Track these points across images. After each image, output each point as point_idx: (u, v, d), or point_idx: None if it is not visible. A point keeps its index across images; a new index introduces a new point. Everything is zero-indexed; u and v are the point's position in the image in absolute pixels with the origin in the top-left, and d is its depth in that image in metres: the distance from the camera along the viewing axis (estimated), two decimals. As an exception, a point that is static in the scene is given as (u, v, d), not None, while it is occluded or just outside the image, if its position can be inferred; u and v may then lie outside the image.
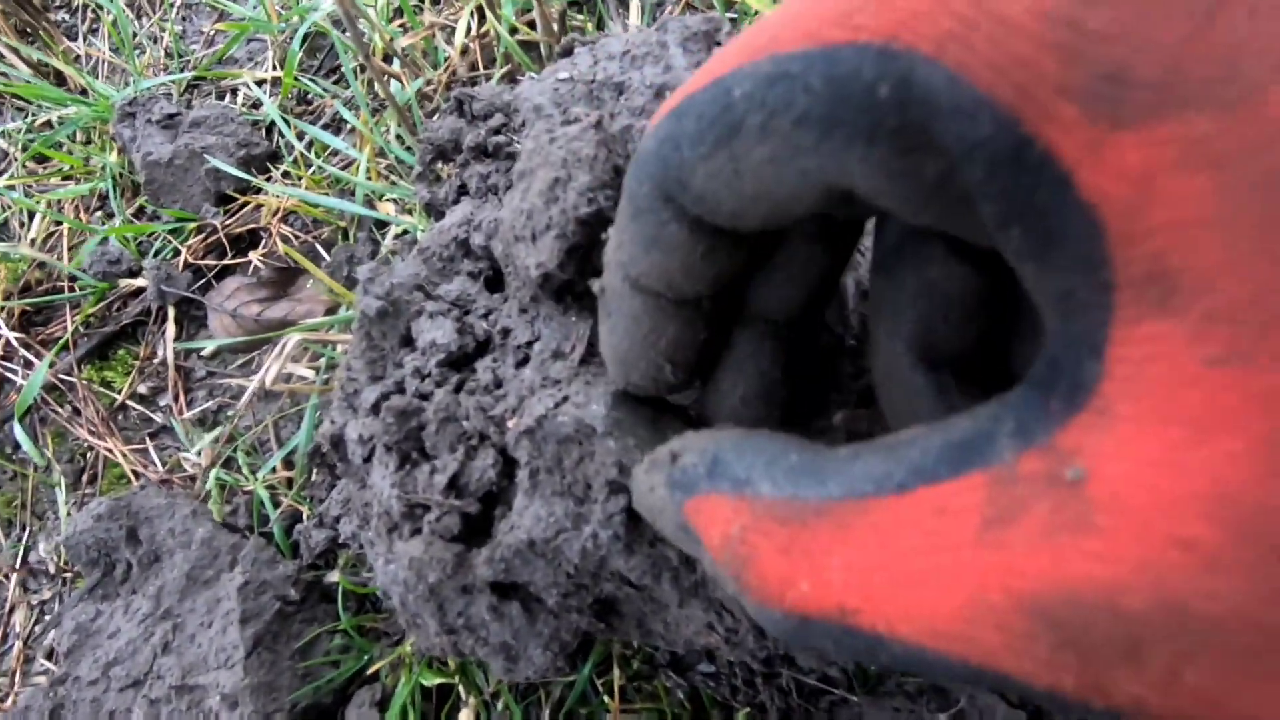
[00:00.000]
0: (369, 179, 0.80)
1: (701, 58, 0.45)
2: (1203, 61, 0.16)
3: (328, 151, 0.87)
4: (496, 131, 0.49)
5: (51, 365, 0.88)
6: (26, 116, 1.06)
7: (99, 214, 0.97)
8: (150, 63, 1.04)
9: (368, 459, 0.45)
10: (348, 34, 0.83)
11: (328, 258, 0.82)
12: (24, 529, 0.84)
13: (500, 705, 0.58)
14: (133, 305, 0.89)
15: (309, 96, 0.94)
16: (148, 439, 0.83)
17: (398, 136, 0.82)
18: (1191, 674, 0.15)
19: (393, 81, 0.83)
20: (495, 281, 0.46)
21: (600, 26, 0.81)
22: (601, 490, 0.35)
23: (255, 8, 0.99)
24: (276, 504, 0.71)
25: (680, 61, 0.45)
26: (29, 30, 1.12)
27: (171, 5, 1.08)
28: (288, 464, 0.73)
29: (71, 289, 0.91)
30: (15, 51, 1.08)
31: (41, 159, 1.03)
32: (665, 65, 0.45)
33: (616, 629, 0.43)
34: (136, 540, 0.70)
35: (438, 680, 0.59)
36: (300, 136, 0.89)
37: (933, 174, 0.19)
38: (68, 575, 0.80)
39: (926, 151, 0.19)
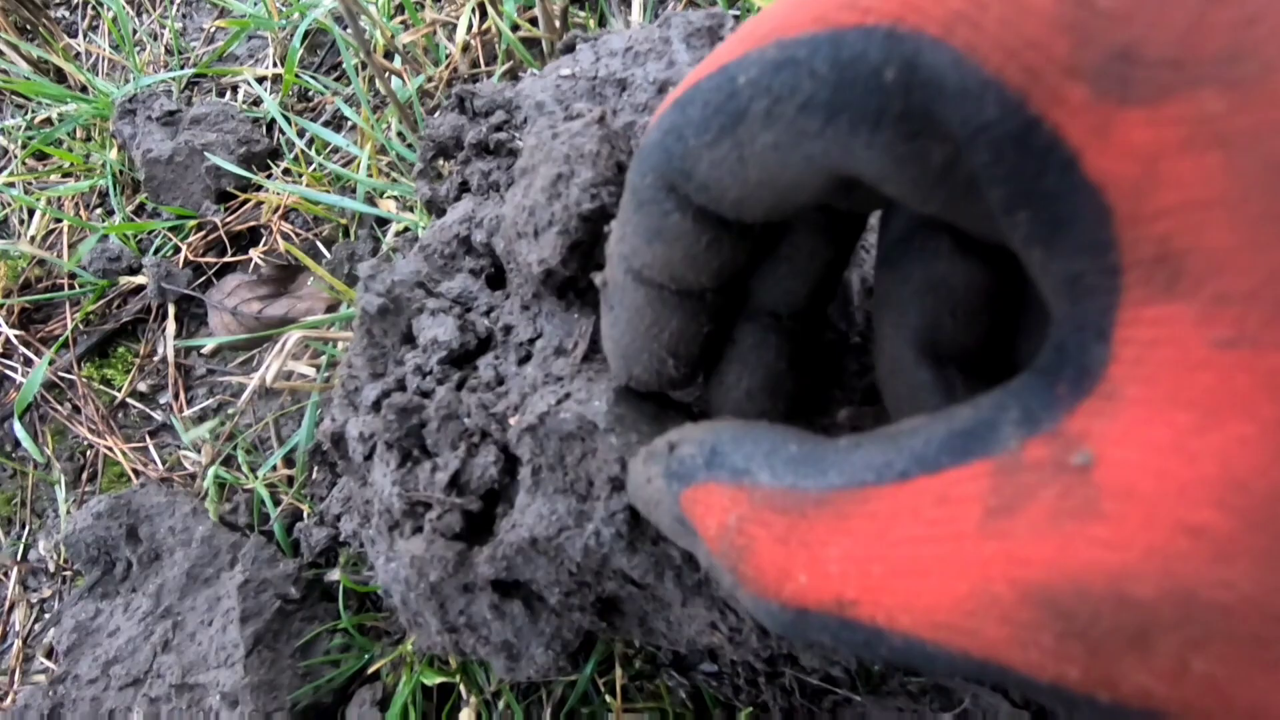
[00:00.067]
0: (370, 176, 0.79)
1: (704, 53, 0.44)
2: (1214, 40, 0.16)
3: (328, 149, 0.87)
4: (498, 128, 0.48)
5: (51, 363, 0.87)
6: (26, 113, 1.06)
7: (99, 211, 0.97)
8: (150, 60, 1.04)
9: (369, 457, 0.44)
10: (349, 31, 0.83)
11: (328, 255, 0.82)
12: (24, 527, 0.84)
13: (501, 704, 0.58)
14: (133, 303, 0.89)
15: (310, 93, 0.94)
16: (148, 437, 0.83)
17: (399, 133, 0.82)
18: (1200, 663, 0.15)
19: (394, 78, 0.83)
20: (497, 278, 0.46)
21: (602, 23, 0.81)
22: (604, 488, 0.35)
23: (256, 4, 0.99)
24: (277, 502, 0.71)
25: (683, 57, 0.44)
26: (29, 27, 1.12)
27: (172, 2, 1.08)
28: (288, 462, 0.73)
29: (71, 286, 0.91)
30: (15, 48, 1.08)
31: (41, 156, 1.03)
32: (668, 61, 0.45)
33: (619, 628, 0.43)
34: (136, 538, 0.70)
35: (439, 679, 0.58)
36: (301, 133, 0.88)
37: (939, 159, 0.19)
38: (67, 573, 0.80)
39: (933, 136, 0.19)
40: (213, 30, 1.04)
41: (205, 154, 0.86)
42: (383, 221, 0.80)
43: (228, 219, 0.87)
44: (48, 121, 1.04)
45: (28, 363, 0.90)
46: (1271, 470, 0.14)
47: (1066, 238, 0.17)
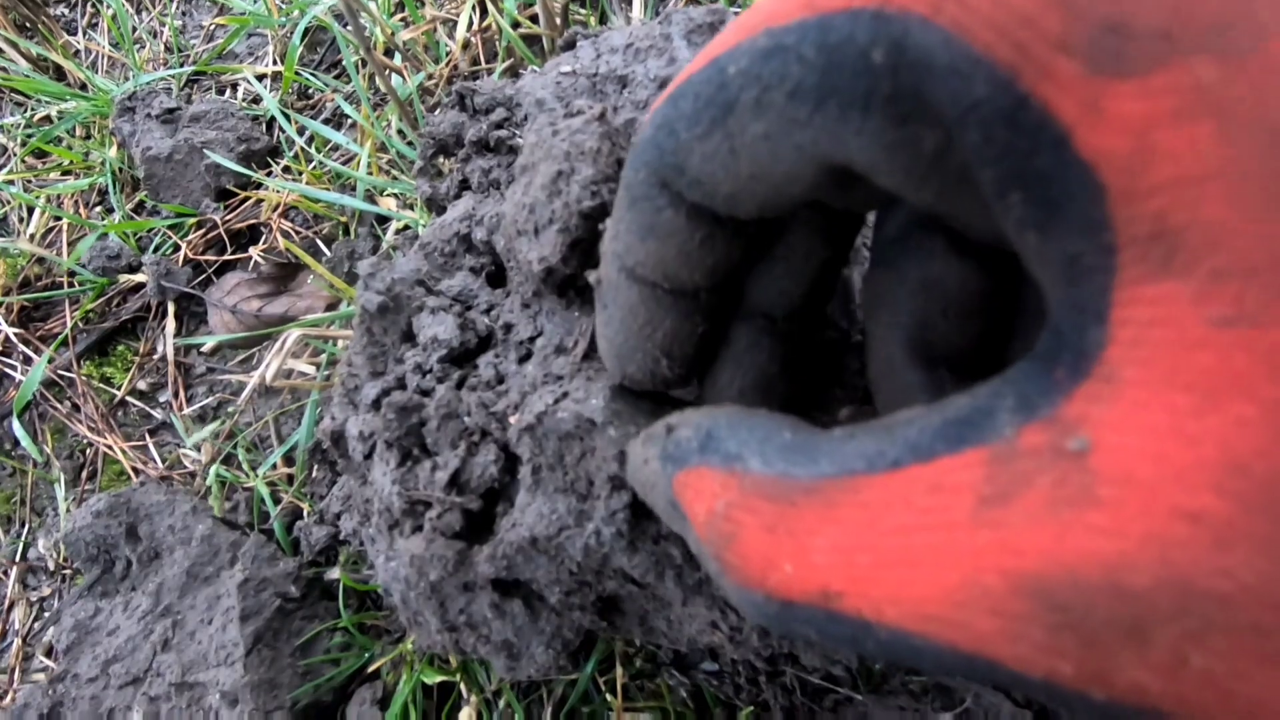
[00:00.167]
0: (370, 174, 0.79)
1: (706, 50, 0.44)
2: (1206, 8, 0.15)
3: (328, 146, 0.87)
4: (498, 126, 0.48)
5: (51, 361, 0.87)
6: (26, 111, 1.06)
7: (98, 209, 0.97)
8: (150, 57, 1.04)
9: (369, 455, 0.44)
10: (349, 28, 0.83)
11: (328, 253, 0.81)
12: (23, 525, 0.84)
13: (502, 703, 0.58)
14: (132, 301, 0.89)
15: (309, 91, 0.93)
16: (147, 435, 0.83)
17: (399, 131, 0.82)
18: (1199, 656, 0.14)
19: (394, 76, 0.82)
20: (497, 276, 0.46)
21: (603, 20, 0.81)
22: (604, 487, 0.35)
23: (256, 2, 0.98)
24: (277, 501, 0.70)
25: (684, 54, 0.44)
26: (28, 25, 1.11)
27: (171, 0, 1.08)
28: (288, 460, 0.73)
29: (71, 284, 0.91)
30: (14, 46, 1.08)
31: (41, 154, 1.02)
32: (669, 58, 0.44)
33: (619, 627, 0.43)
34: (136, 537, 0.70)
35: (439, 678, 0.58)
36: (301, 131, 0.88)
37: (931, 145, 0.19)
38: (67, 572, 0.80)
39: (923, 120, 0.18)
40: (212, 28, 1.04)
41: (205, 152, 0.86)
42: (383, 219, 0.80)
43: (227, 217, 0.87)
44: (47, 119, 1.04)
45: (27, 361, 0.89)
46: (1272, 452, 0.14)
47: (1060, 219, 0.17)
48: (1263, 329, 0.14)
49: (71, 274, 0.90)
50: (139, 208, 0.94)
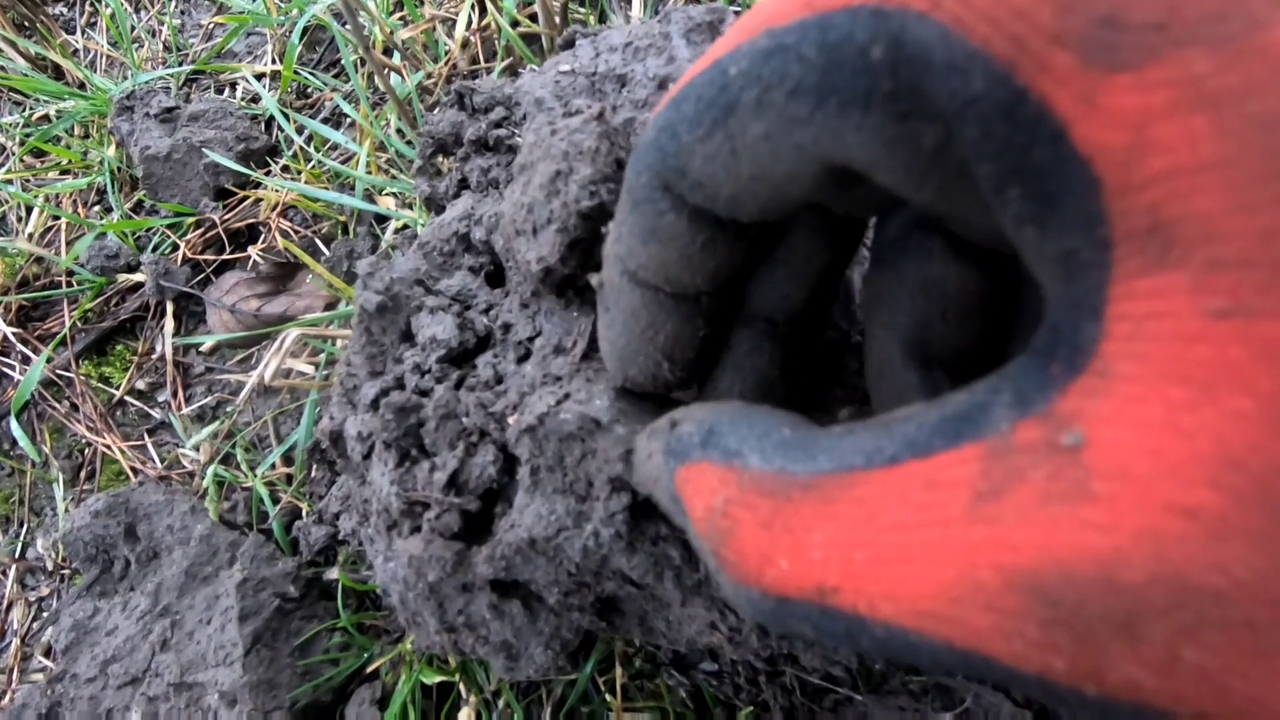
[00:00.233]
0: (369, 173, 0.79)
1: (705, 49, 0.44)
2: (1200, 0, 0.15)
3: (327, 145, 0.87)
4: (497, 125, 0.48)
5: (49, 360, 0.87)
6: (24, 110, 1.06)
7: (97, 208, 0.97)
8: (148, 56, 1.04)
9: (367, 456, 0.44)
10: (348, 27, 0.83)
11: (327, 252, 0.81)
12: (22, 525, 0.83)
13: (501, 703, 0.58)
14: (131, 300, 0.89)
15: (308, 90, 0.93)
16: (146, 435, 0.83)
17: (398, 130, 0.81)
18: (1192, 652, 0.14)
19: (393, 75, 0.82)
20: (496, 276, 0.46)
21: (602, 19, 0.81)
22: (603, 488, 0.35)
23: (254, 1, 0.98)
24: (275, 500, 0.70)
25: (683, 53, 0.44)
26: (27, 24, 1.11)
27: (170, -2, 1.08)
28: (287, 460, 0.73)
29: (69, 284, 0.90)
30: (13, 45, 1.08)
31: (39, 153, 1.02)
32: (668, 57, 0.44)
33: (618, 627, 0.43)
34: (135, 537, 0.70)
35: (438, 678, 0.58)
36: (300, 130, 0.88)
37: (930, 142, 0.19)
38: (65, 572, 0.80)
39: (923, 116, 0.18)
40: (211, 27, 1.04)
41: (204, 151, 0.86)
42: (382, 219, 0.80)
43: (226, 216, 0.87)
44: (45, 118, 1.04)
45: (25, 360, 0.89)
46: (1268, 446, 0.14)
47: (1057, 213, 0.17)
48: (1259, 320, 0.14)
49: (70, 273, 0.90)
50: (137, 207, 0.94)
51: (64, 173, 0.99)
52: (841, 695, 0.54)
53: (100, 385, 0.86)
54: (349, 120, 0.88)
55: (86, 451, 0.84)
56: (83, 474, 0.83)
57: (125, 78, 1.02)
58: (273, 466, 0.72)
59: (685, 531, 0.25)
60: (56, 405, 0.86)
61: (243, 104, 0.94)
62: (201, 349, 0.84)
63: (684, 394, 0.36)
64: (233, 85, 0.99)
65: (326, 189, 0.82)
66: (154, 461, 0.81)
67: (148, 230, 0.90)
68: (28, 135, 1.02)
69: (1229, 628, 0.14)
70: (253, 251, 0.84)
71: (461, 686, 0.58)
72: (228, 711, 0.59)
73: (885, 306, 0.28)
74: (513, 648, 0.42)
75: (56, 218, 0.95)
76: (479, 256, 0.46)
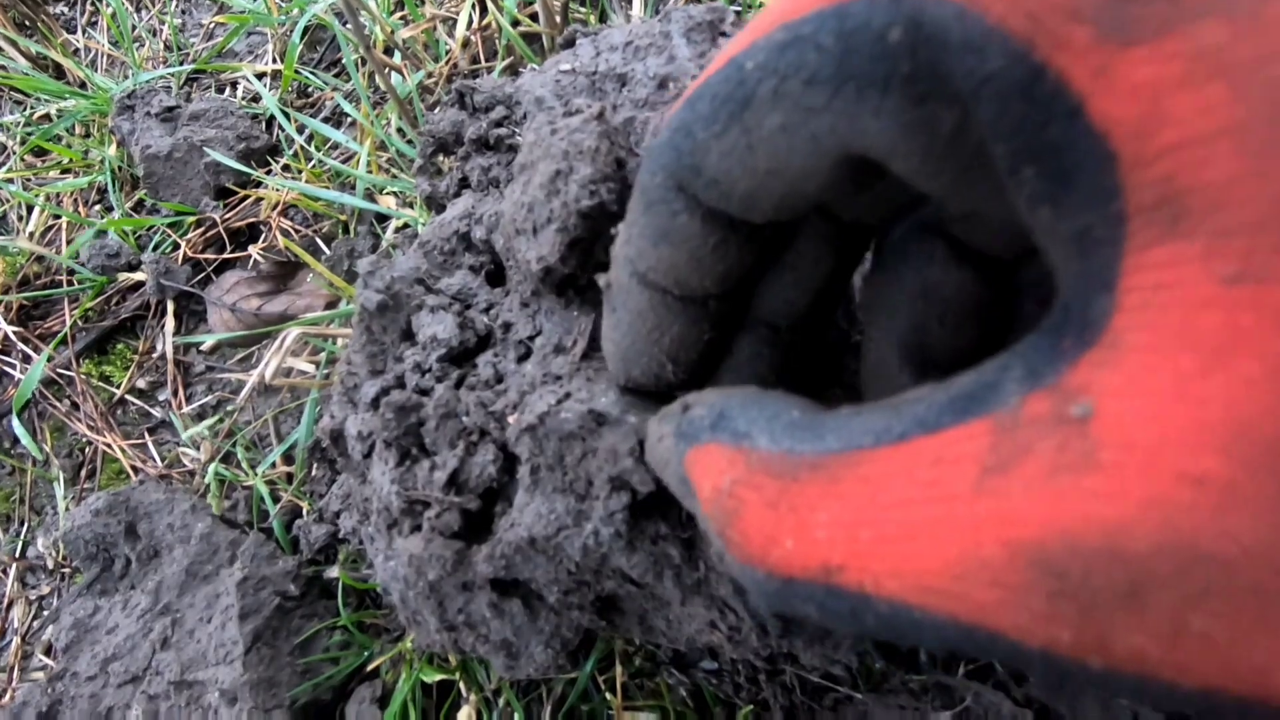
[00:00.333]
0: (369, 172, 0.79)
1: (706, 48, 0.44)
2: None
3: (328, 145, 0.87)
4: (498, 124, 0.48)
5: (50, 359, 0.87)
6: (25, 109, 1.06)
7: (98, 207, 0.97)
8: (149, 56, 1.04)
9: (368, 454, 0.44)
10: (348, 26, 0.83)
11: (328, 251, 0.81)
12: (22, 524, 0.83)
13: (501, 702, 0.58)
14: (131, 299, 0.89)
15: (309, 89, 0.93)
16: (146, 434, 0.83)
17: (399, 129, 0.81)
18: (1199, 621, 0.14)
19: (394, 74, 0.82)
20: (497, 275, 0.46)
21: (603, 18, 0.81)
22: (603, 487, 0.35)
23: (255, 0, 0.98)
24: (276, 499, 0.70)
25: (684, 52, 0.44)
26: (28, 23, 1.11)
27: (171, -3, 1.08)
28: (287, 459, 0.73)
29: (70, 283, 0.90)
30: (14, 44, 1.08)
31: (40, 152, 1.02)
32: (669, 56, 0.44)
33: (618, 626, 0.43)
34: (135, 535, 0.70)
35: (438, 677, 0.58)
36: (300, 130, 0.88)
37: (948, 124, 0.19)
38: (66, 570, 0.80)
39: (941, 99, 0.19)
40: (212, 26, 1.04)
41: (204, 150, 0.86)
42: (382, 218, 0.80)
43: (227, 215, 0.87)
44: (46, 117, 1.04)
45: (26, 359, 0.89)
46: (1279, 412, 0.14)
47: (1072, 190, 0.17)
48: (1270, 285, 0.14)
49: (71, 272, 0.90)
50: (138, 206, 0.94)
51: (65, 172, 1.00)
52: (841, 694, 0.54)
53: (101, 384, 0.86)
54: (350, 119, 0.88)
55: (87, 450, 0.84)
56: (83, 472, 0.83)
57: (126, 77, 1.02)
58: (273, 465, 0.72)
59: (694, 514, 0.25)
60: (57, 404, 0.86)
61: (243, 103, 0.94)
62: (202, 348, 0.84)
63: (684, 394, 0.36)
64: (233, 84, 0.99)
65: (327, 188, 0.82)
66: (154, 460, 0.81)
67: (148, 229, 0.90)
68: (29, 134, 1.02)
69: (1237, 596, 0.14)
70: (253, 250, 0.84)
71: (462, 685, 0.58)
72: (228, 709, 0.59)
73: (884, 308, 0.28)
74: (513, 646, 0.42)
75: (57, 216, 0.95)
76: (479, 255, 0.46)
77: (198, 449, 0.78)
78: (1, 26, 1.09)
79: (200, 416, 0.81)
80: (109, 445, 0.82)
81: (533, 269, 0.38)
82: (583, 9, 0.82)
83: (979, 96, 0.17)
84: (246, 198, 0.87)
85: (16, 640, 0.77)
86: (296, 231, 0.84)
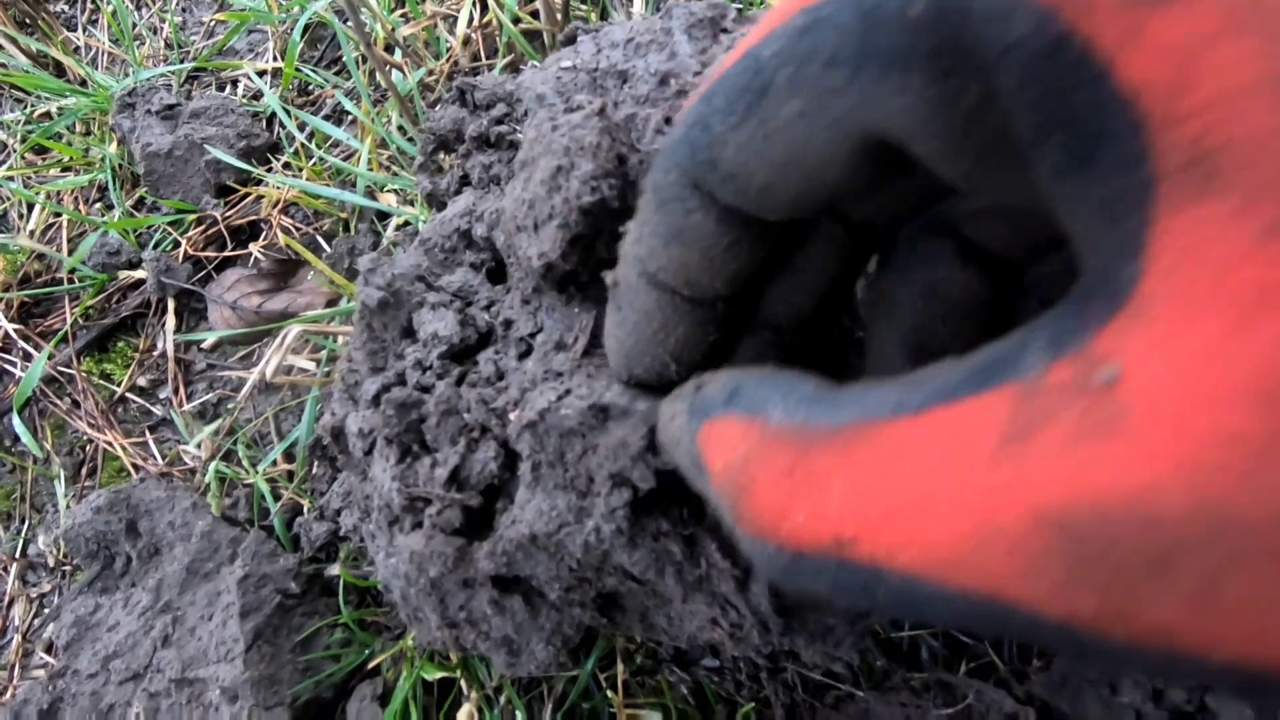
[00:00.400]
0: (370, 170, 0.79)
1: (707, 45, 0.44)
2: None
3: (329, 142, 0.87)
4: (499, 121, 0.48)
5: (50, 357, 0.87)
6: (25, 107, 1.06)
7: (98, 205, 0.97)
8: (150, 53, 1.04)
9: (369, 452, 0.44)
10: (349, 24, 0.83)
11: (329, 249, 0.81)
12: (23, 522, 0.83)
13: (502, 699, 0.58)
14: (132, 297, 0.89)
15: (310, 87, 0.93)
16: (147, 432, 0.83)
17: (399, 127, 0.81)
18: (1229, 588, 0.13)
19: (394, 71, 0.82)
20: (498, 273, 0.46)
21: (604, 15, 0.81)
22: (604, 484, 0.35)
23: (255, -2, 0.98)
24: (277, 497, 0.70)
25: (685, 49, 0.44)
26: (28, 21, 1.11)
27: (171, -5, 1.08)
28: (288, 457, 0.73)
29: (71, 281, 0.90)
30: (14, 42, 1.08)
31: (40, 150, 1.02)
32: (670, 52, 0.44)
33: (620, 623, 0.43)
34: (136, 533, 0.70)
35: (439, 674, 0.58)
36: (301, 127, 0.88)
37: (972, 99, 0.19)
38: (67, 568, 0.80)
39: (963, 72, 0.18)
40: (212, 24, 1.04)
41: (205, 148, 0.86)
42: (383, 215, 0.80)
43: (227, 213, 0.87)
44: (47, 115, 1.04)
45: (27, 357, 0.89)
46: None
47: (1099, 157, 0.16)
48: None
49: (71, 270, 0.90)
50: (139, 204, 0.94)
51: (65, 170, 1.00)
52: (843, 691, 0.54)
53: (101, 382, 0.86)
54: (350, 117, 0.88)
55: (88, 448, 0.84)
56: (84, 470, 0.83)
57: (126, 75, 1.02)
58: (274, 463, 0.72)
59: (705, 495, 0.25)
60: (58, 402, 0.86)
61: (244, 101, 0.94)
62: (203, 346, 0.84)
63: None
64: (234, 82, 0.99)
65: (328, 186, 0.82)
66: (155, 458, 0.81)
67: (149, 227, 0.90)
68: (29, 132, 1.02)
69: (1271, 560, 0.13)
70: (254, 248, 0.84)
71: (463, 683, 0.58)
72: (229, 707, 0.59)
73: (888, 307, 0.28)
74: (514, 643, 0.42)
75: (58, 215, 0.95)
76: (480, 253, 0.46)
77: (198, 447, 0.78)
78: (2, 24, 1.09)
79: (201, 414, 0.81)
80: (110, 443, 0.82)
81: (534, 265, 0.38)
82: (584, 6, 0.81)
83: (1003, 65, 0.17)
84: (247, 195, 0.87)
85: (17, 638, 0.77)
86: (297, 229, 0.84)
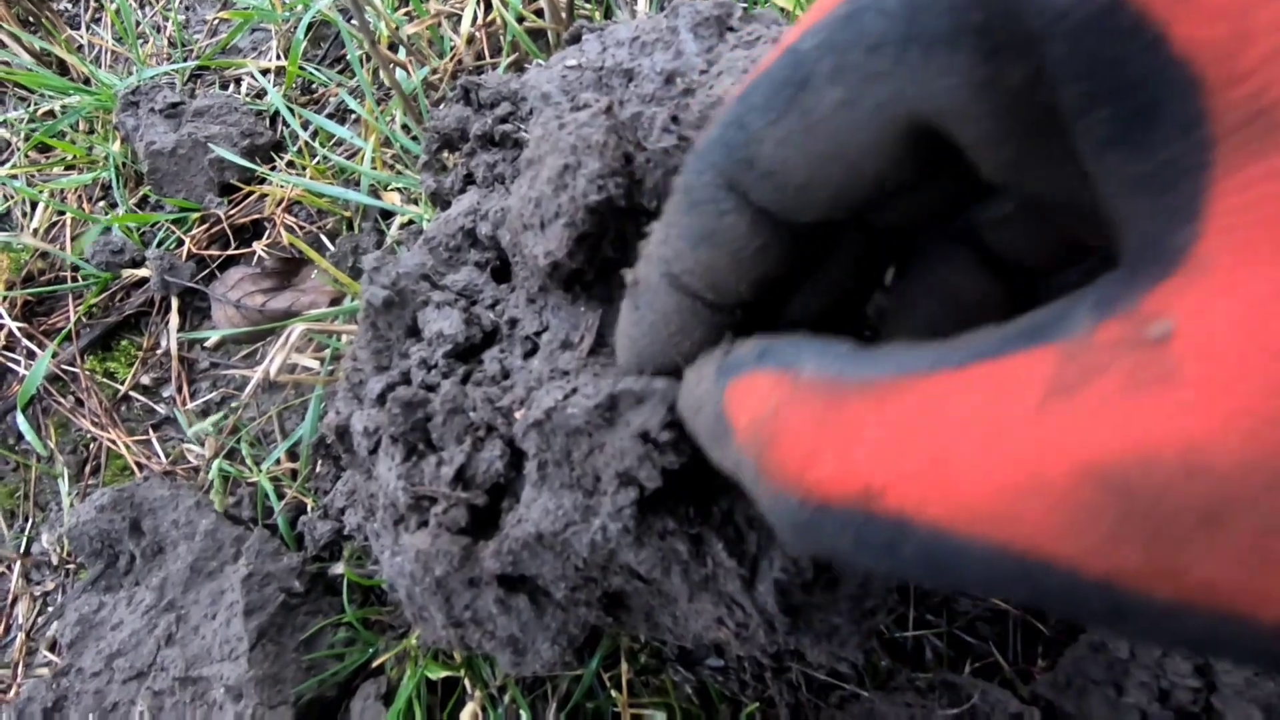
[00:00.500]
0: (374, 168, 0.79)
1: (713, 43, 0.44)
2: None
3: (332, 141, 0.87)
4: (503, 120, 0.48)
5: (54, 355, 0.87)
6: (29, 106, 1.06)
7: (102, 204, 0.97)
8: (153, 52, 1.04)
9: (373, 450, 0.44)
10: (353, 22, 0.83)
11: (332, 248, 0.81)
12: (27, 520, 0.84)
13: (506, 699, 0.58)
14: (136, 296, 0.89)
15: (313, 86, 0.93)
16: (151, 430, 0.83)
17: (403, 125, 0.81)
18: None
19: (398, 70, 0.82)
20: (502, 271, 0.46)
21: (608, 13, 0.81)
22: (611, 482, 0.35)
23: (259, -4, 0.98)
24: (281, 495, 0.70)
25: (691, 47, 0.44)
26: (32, 19, 1.11)
27: (175, -6, 1.08)
28: (292, 455, 0.73)
29: (74, 279, 0.90)
30: (18, 40, 1.08)
31: (44, 148, 1.02)
32: (675, 51, 0.44)
33: (625, 623, 0.43)
34: (140, 531, 0.70)
35: (443, 673, 0.58)
36: (305, 126, 0.88)
37: (1019, 78, 0.18)
38: (71, 566, 0.80)
39: (1010, 50, 0.18)
40: (216, 22, 1.04)
41: (209, 146, 0.86)
42: (387, 214, 0.80)
43: (231, 212, 0.87)
44: (50, 114, 1.04)
45: (30, 355, 0.89)
46: None
47: (1152, 126, 0.16)
48: None
49: (75, 269, 0.90)
50: (142, 202, 0.94)
51: (69, 168, 1.00)
52: (848, 691, 0.54)
53: (105, 380, 0.86)
54: (354, 116, 0.88)
55: (91, 446, 0.84)
56: (88, 469, 0.83)
57: (130, 73, 1.02)
58: (278, 462, 0.72)
59: (723, 460, 0.24)
60: (62, 400, 0.86)
61: (248, 99, 0.94)
62: (206, 344, 0.84)
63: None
64: (238, 81, 0.99)
65: (332, 184, 0.82)
66: (159, 456, 0.81)
67: (153, 225, 0.90)
68: (33, 130, 1.02)
69: None
70: (258, 247, 0.84)
71: (467, 682, 0.58)
72: (233, 705, 0.59)
73: (906, 312, 0.28)
74: (519, 643, 0.42)
75: (61, 213, 0.95)
76: (485, 252, 0.46)
77: (202, 445, 0.78)
78: (6, 22, 1.09)
79: (205, 413, 0.81)
80: (113, 441, 0.82)
81: (540, 264, 0.37)
82: (588, 5, 0.81)
83: (1053, 36, 0.17)
84: (251, 194, 0.87)
85: (21, 636, 0.77)
86: (301, 228, 0.84)
